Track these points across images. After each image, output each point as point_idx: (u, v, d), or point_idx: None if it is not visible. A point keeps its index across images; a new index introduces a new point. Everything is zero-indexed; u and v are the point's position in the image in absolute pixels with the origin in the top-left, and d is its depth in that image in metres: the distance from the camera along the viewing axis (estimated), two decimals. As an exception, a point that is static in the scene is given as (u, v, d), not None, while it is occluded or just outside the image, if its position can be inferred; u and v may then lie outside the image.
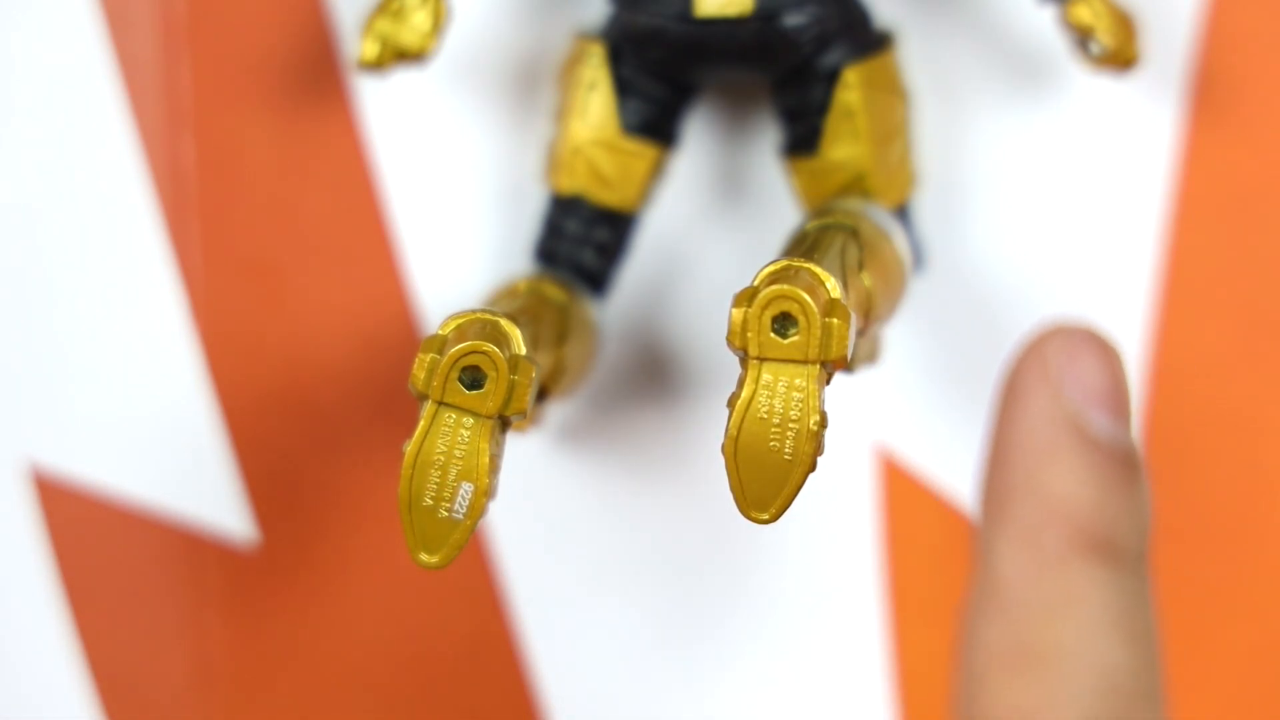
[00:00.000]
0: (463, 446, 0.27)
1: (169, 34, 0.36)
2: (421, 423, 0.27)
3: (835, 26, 0.31)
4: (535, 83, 0.35)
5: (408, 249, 0.36)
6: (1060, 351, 0.23)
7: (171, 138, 0.36)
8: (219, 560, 0.37)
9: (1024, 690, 0.21)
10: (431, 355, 0.27)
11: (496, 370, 0.27)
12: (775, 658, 0.37)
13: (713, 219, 0.35)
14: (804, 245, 0.28)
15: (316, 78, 0.36)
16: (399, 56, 0.32)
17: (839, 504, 0.36)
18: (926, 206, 0.34)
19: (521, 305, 0.31)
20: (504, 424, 0.28)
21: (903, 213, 0.33)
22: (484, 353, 0.27)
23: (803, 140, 0.32)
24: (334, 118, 0.36)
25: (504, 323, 0.28)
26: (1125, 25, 0.32)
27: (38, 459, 0.37)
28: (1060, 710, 0.21)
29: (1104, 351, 0.23)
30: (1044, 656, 0.21)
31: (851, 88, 0.31)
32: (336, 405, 0.36)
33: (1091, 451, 0.23)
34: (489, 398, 0.27)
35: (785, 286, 0.26)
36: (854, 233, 0.29)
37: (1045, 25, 0.34)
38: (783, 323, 0.26)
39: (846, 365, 0.26)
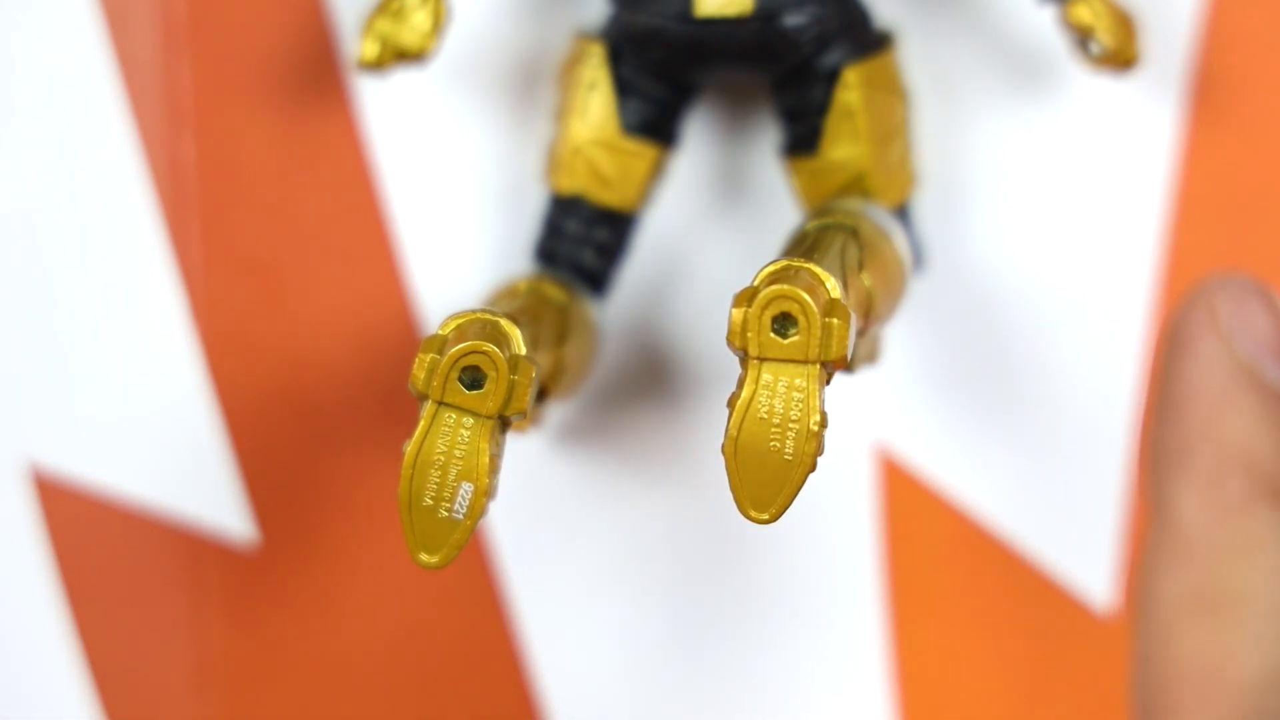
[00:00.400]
0: (463, 446, 0.27)
1: (169, 34, 0.36)
2: (421, 423, 0.27)
3: (835, 26, 0.31)
4: (535, 83, 0.35)
5: (408, 249, 0.36)
6: (1229, 300, 0.23)
7: (171, 138, 0.36)
8: (219, 560, 0.37)
9: (1211, 635, 0.21)
10: (431, 355, 0.27)
11: (496, 370, 0.27)
12: (775, 657, 0.37)
13: (713, 219, 0.35)
14: (804, 245, 0.28)
15: (316, 78, 0.36)
16: (399, 56, 0.32)
17: (839, 504, 0.36)
18: (926, 206, 0.34)
19: (521, 305, 0.31)
20: (504, 424, 0.28)
21: (903, 213, 0.33)
22: (484, 353, 0.27)
23: (803, 140, 0.32)
24: (334, 118, 0.36)
25: (504, 323, 0.28)
26: (1125, 25, 0.32)
27: (38, 459, 0.37)
28: (1248, 653, 0.21)
29: (1272, 302, 0.23)
30: (1230, 602, 0.22)
31: (851, 88, 0.31)
32: (336, 405, 0.36)
33: (1269, 400, 0.22)
34: (489, 398, 0.27)
35: (785, 286, 0.26)
36: (854, 233, 0.29)
37: (1045, 25, 0.34)
38: (783, 323, 0.26)
39: (846, 365, 0.26)
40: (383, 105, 0.36)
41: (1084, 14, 0.31)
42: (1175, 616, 0.22)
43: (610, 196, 0.33)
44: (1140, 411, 0.24)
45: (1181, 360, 0.22)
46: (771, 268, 0.26)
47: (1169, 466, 0.22)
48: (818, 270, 0.26)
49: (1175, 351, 0.23)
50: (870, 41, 0.32)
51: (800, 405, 0.26)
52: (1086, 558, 0.36)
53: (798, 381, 0.26)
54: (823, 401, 0.26)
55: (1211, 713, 0.21)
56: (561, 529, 0.37)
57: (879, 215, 0.31)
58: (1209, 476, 0.22)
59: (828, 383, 0.26)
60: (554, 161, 0.33)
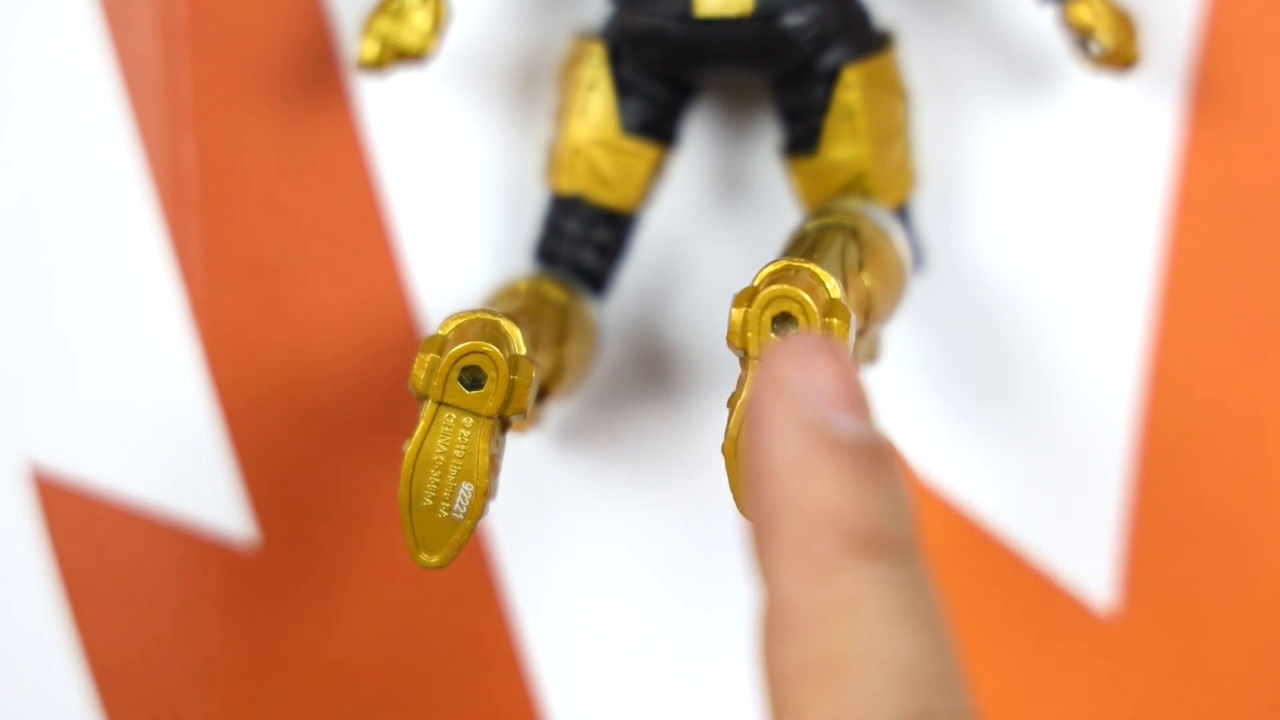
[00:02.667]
0: (463, 446, 0.27)
1: (169, 34, 0.36)
2: (421, 423, 0.27)
3: (835, 26, 0.31)
4: (535, 83, 0.35)
5: (408, 249, 0.36)
6: (789, 364, 0.22)
7: (171, 138, 0.36)
8: (219, 560, 0.37)
9: (832, 702, 0.21)
10: (431, 355, 0.27)
11: (496, 370, 0.27)
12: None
13: (713, 219, 0.35)
14: (804, 245, 0.28)
15: (316, 78, 0.36)
16: (399, 56, 0.32)
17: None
18: (926, 206, 0.34)
19: (521, 305, 0.31)
20: (504, 424, 0.28)
21: (903, 213, 0.33)
22: (484, 353, 0.27)
23: (803, 140, 0.32)
24: (334, 118, 0.36)
25: (504, 323, 0.28)
26: (1125, 25, 0.32)
27: (38, 459, 0.37)
28: (868, 712, 0.21)
29: (832, 353, 0.23)
30: (841, 666, 0.21)
31: (851, 88, 0.31)
32: (336, 405, 0.36)
33: (839, 453, 0.22)
34: (489, 398, 0.27)
35: (785, 286, 0.26)
36: (854, 233, 0.29)
37: (1045, 25, 0.34)
38: (783, 322, 0.26)
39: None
40: (383, 105, 0.36)
41: (1084, 14, 0.31)
42: (795, 688, 0.21)
43: (610, 196, 0.33)
44: (748, 484, 0.23)
45: (757, 434, 0.22)
46: (771, 268, 0.26)
47: (762, 541, 0.22)
48: (818, 270, 0.26)
49: (752, 427, 0.22)
50: (870, 41, 0.32)
51: (800, 405, 0.26)
52: (1086, 558, 0.36)
53: (798, 381, 0.26)
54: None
55: None
56: (561, 529, 0.37)
57: (879, 215, 0.31)
58: (795, 544, 0.22)
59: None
60: (554, 161, 0.33)
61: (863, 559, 0.22)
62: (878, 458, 0.22)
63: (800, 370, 0.22)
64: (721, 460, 0.26)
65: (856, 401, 0.23)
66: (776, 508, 0.22)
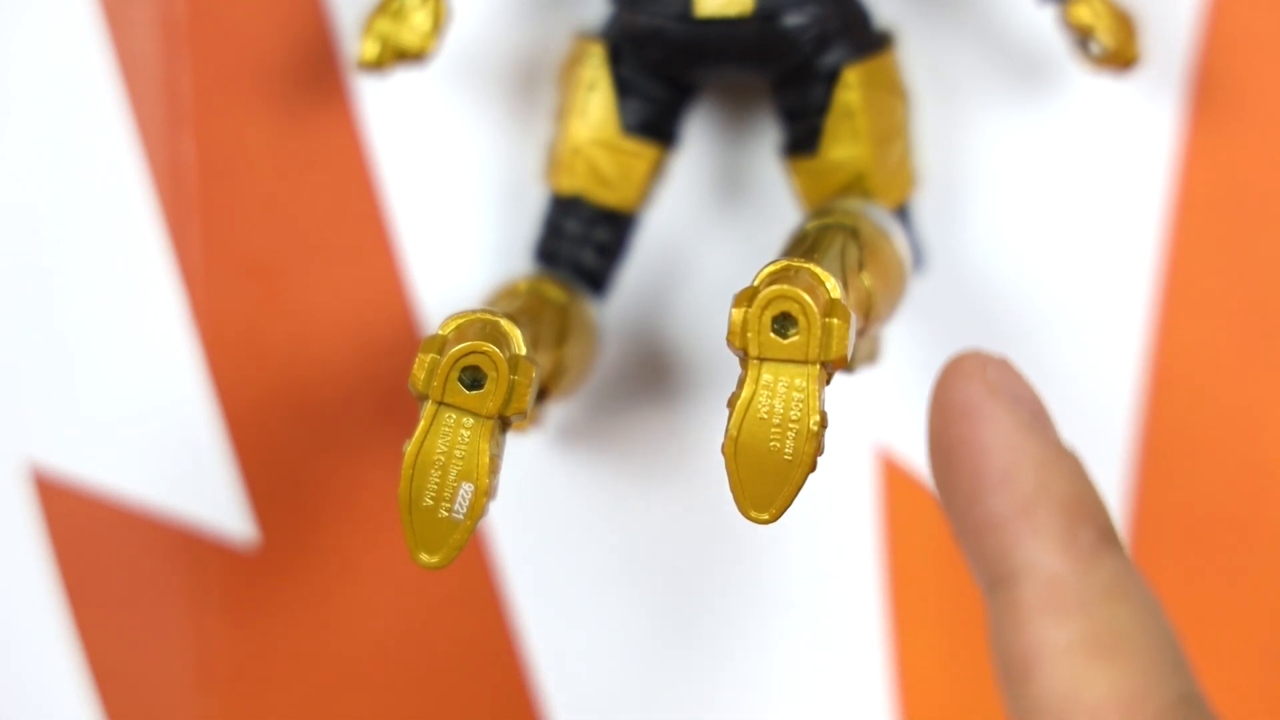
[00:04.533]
0: (463, 446, 0.27)
1: (169, 34, 0.36)
2: (421, 423, 0.27)
3: (835, 26, 0.31)
4: (535, 83, 0.35)
5: (408, 249, 0.36)
6: (996, 373, 0.25)
7: (171, 138, 0.36)
8: (219, 560, 0.37)
9: (1118, 677, 0.22)
10: (431, 355, 0.27)
11: (496, 370, 0.27)
12: (775, 657, 0.37)
13: (713, 219, 0.35)
14: (804, 245, 0.28)
15: (316, 78, 0.36)
16: (399, 56, 0.32)
17: (839, 504, 0.36)
18: (926, 206, 0.34)
19: (521, 305, 0.31)
20: (504, 424, 0.28)
21: (903, 213, 0.33)
22: (484, 353, 0.27)
23: (803, 140, 0.32)
24: (334, 118, 0.36)
25: (504, 323, 0.28)
26: (1125, 25, 0.32)
27: (38, 459, 0.37)
28: (1154, 686, 0.23)
29: (1014, 368, 0.25)
30: (1121, 644, 0.23)
31: (851, 88, 0.31)
32: (336, 405, 0.36)
33: (1067, 456, 0.25)
34: (489, 398, 0.27)
35: (785, 286, 0.26)
36: (854, 233, 0.29)
37: (1045, 25, 0.34)
38: (783, 323, 0.26)
39: (846, 365, 0.26)
40: (383, 105, 0.36)
41: (1084, 14, 0.31)
42: (1075, 665, 0.23)
43: (610, 196, 0.33)
44: (938, 486, 0.25)
45: (982, 432, 0.24)
46: (771, 268, 0.26)
47: (1015, 530, 0.24)
48: (818, 270, 0.26)
49: (969, 424, 0.24)
50: (870, 41, 0.32)
51: (800, 405, 0.26)
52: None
53: (798, 381, 0.26)
54: (823, 401, 0.26)
55: None
56: (561, 529, 0.37)
57: (879, 215, 0.31)
58: (1062, 531, 0.23)
59: (828, 383, 0.26)
60: (554, 161, 0.33)
61: (1113, 549, 0.24)
62: (1083, 462, 0.25)
63: (1003, 377, 0.25)
64: (721, 460, 0.26)
65: (1046, 412, 0.25)
66: (1031, 499, 0.24)
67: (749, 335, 0.26)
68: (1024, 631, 0.23)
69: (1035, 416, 0.25)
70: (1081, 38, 0.32)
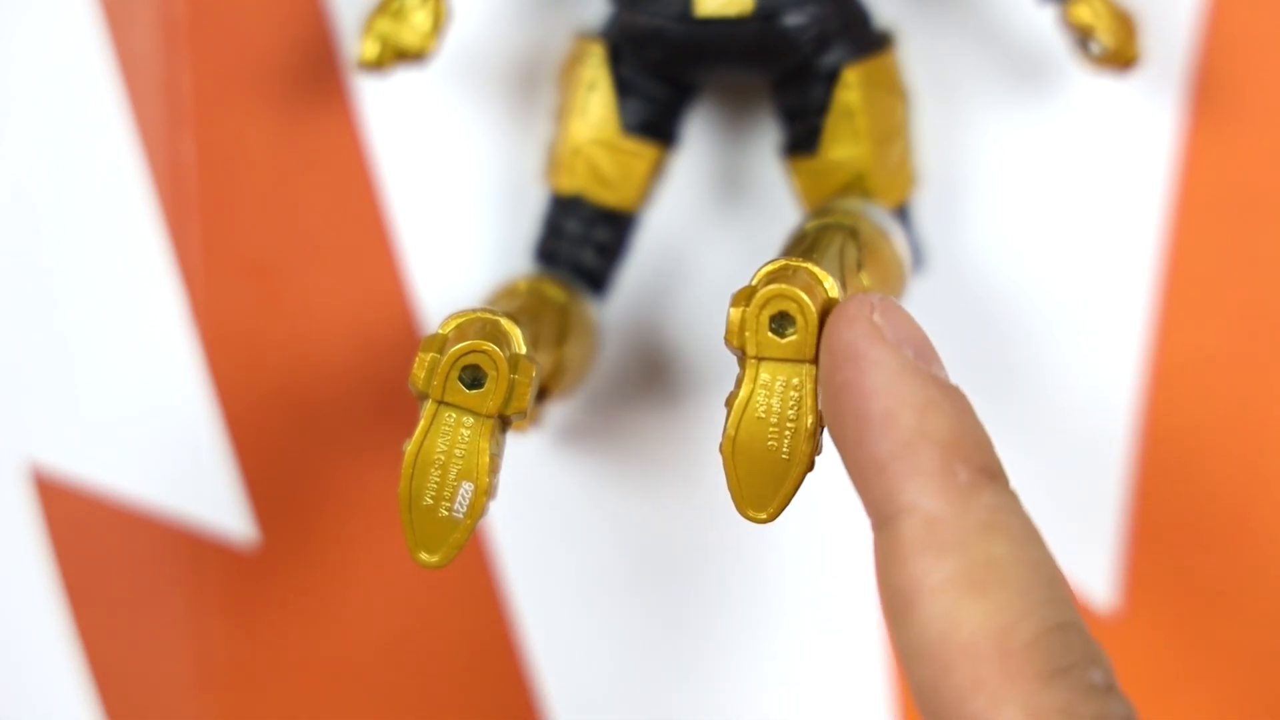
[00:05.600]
0: (463, 446, 0.27)
1: (169, 34, 0.36)
2: (422, 422, 0.27)
3: (835, 26, 0.31)
4: (535, 83, 0.35)
5: (408, 249, 0.36)
6: (882, 316, 0.25)
7: (171, 138, 0.36)
8: (219, 560, 0.37)
9: (991, 608, 0.23)
10: (432, 355, 0.27)
11: (497, 369, 0.27)
12: (774, 656, 0.37)
13: (713, 219, 0.35)
14: (803, 245, 0.28)
15: (316, 78, 0.36)
16: (399, 56, 0.32)
17: (838, 503, 0.36)
18: (926, 206, 0.34)
19: (521, 305, 0.31)
20: (504, 423, 0.28)
21: (903, 213, 0.33)
22: (484, 352, 0.27)
23: (803, 140, 0.32)
24: (334, 118, 0.36)
25: (504, 322, 0.28)
26: (1125, 25, 0.32)
27: (38, 459, 0.37)
28: (1025, 617, 0.23)
29: (903, 309, 0.26)
30: (994, 577, 0.23)
31: (851, 88, 0.31)
32: (336, 405, 0.36)
33: (952, 393, 0.25)
34: (489, 397, 0.27)
35: (783, 286, 0.26)
36: (853, 232, 0.29)
37: (1045, 25, 0.34)
38: (781, 322, 0.26)
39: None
40: (383, 105, 0.36)
41: (1084, 14, 0.31)
42: (950, 600, 0.23)
43: (610, 196, 0.33)
44: (830, 429, 0.25)
45: (865, 373, 0.25)
46: (769, 267, 0.26)
47: (896, 471, 0.24)
48: (816, 270, 0.26)
49: (854, 368, 0.25)
50: (870, 41, 0.32)
51: (798, 404, 0.26)
52: (1086, 558, 0.36)
53: (795, 381, 0.26)
54: (820, 401, 0.26)
55: (1013, 676, 0.23)
56: (561, 529, 0.37)
57: (878, 215, 0.31)
58: (939, 469, 0.24)
59: (827, 382, 0.26)
60: (554, 161, 0.33)
61: (993, 485, 0.24)
62: (967, 399, 0.25)
63: (889, 319, 0.25)
64: (720, 459, 0.26)
65: (933, 351, 0.26)
66: (910, 439, 0.24)
67: (747, 334, 0.26)
68: (904, 570, 0.24)
69: (920, 357, 0.25)
70: (1081, 38, 0.32)
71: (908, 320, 0.25)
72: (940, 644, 0.23)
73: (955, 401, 0.25)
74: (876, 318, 0.25)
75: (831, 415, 0.25)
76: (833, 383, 0.25)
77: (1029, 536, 0.24)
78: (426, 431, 0.27)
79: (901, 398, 0.24)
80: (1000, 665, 0.23)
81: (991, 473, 0.25)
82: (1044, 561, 0.24)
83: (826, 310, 0.26)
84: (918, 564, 0.23)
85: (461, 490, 0.27)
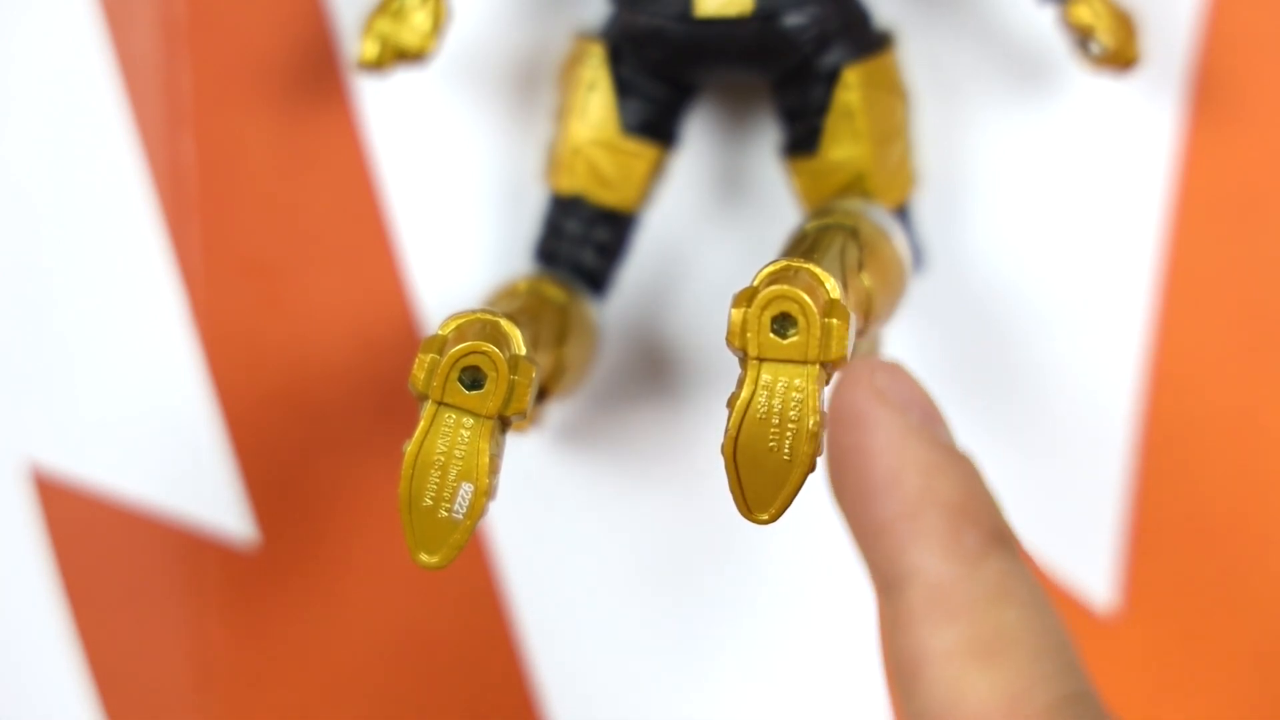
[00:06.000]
0: (463, 447, 0.27)
1: (169, 34, 0.36)
2: (421, 423, 0.27)
3: (835, 26, 0.31)
4: (535, 83, 0.35)
5: (408, 249, 0.36)
6: (885, 379, 0.25)
7: (171, 138, 0.36)
8: (219, 560, 0.37)
9: (999, 678, 0.23)
10: (431, 355, 0.27)
11: (496, 370, 0.27)
12: (774, 657, 0.37)
13: (713, 219, 0.35)
14: (804, 245, 0.28)
15: (316, 78, 0.36)
16: (399, 56, 0.32)
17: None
18: (926, 206, 0.34)
19: (521, 305, 0.31)
20: (504, 424, 0.28)
21: (903, 213, 0.33)
22: (484, 353, 0.27)
23: (803, 140, 0.32)
24: (334, 118, 0.36)
25: (504, 323, 0.28)
26: (1125, 25, 0.32)
27: (38, 459, 0.37)
28: (1037, 687, 0.23)
29: (908, 373, 0.25)
30: (1004, 645, 0.23)
31: (851, 88, 0.31)
32: (336, 405, 0.36)
33: (959, 457, 0.25)
34: (489, 398, 0.27)
35: (785, 287, 0.26)
36: (854, 233, 0.29)
37: (1045, 25, 0.34)
38: (782, 323, 0.26)
39: (846, 365, 0.26)
40: (383, 105, 0.36)
41: (1084, 14, 0.31)
42: (957, 668, 0.23)
43: (610, 196, 0.33)
44: (833, 493, 0.25)
45: (869, 438, 0.24)
46: (771, 268, 0.26)
47: (901, 534, 0.24)
48: (817, 270, 0.26)
49: (858, 432, 0.24)
50: (870, 41, 0.32)
51: (799, 405, 0.26)
52: (1086, 558, 0.36)
53: (797, 382, 0.26)
54: (822, 402, 0.26)
55: None
56: (561, 529, 0.37)
57: (879, 215, 0.31)
58: (946, 535, 0.23)
59: (827, 383, 0.26)
60: (554, 161, 0.33)
61: (1002, 550, 0.24)
62: (976, 463, 0.25)
63: (893, 383, 0.24)
64: (721, 460, 0.26)
65: (940, 415, 0.25)
66: (916, 503, 0.24)
67: (748, 335, 0.26)
68: (909, 636, 0.23)
69: (925, 420, 0.25)
70: (1081, 38, 0.32)
71: (912, 384, 0.25)
72: (947, 712, 0.23)
73: (962, 465, 0.24)
74: (879, 380, 0.24)
75: (836, 479, 0.24)
76: (837, 447, 0.24)
77: (1038, 603, 0.24)
78: (426, 432, 0.27)
79: (906, 461, 0.24)
80: None
81: (1001, 537, 0.24)
82: (1054, 629, 0.24)
83: (827, 311, 0.26)
84: (924, 630, 0.23)
85: (461, 491, 0.27)
